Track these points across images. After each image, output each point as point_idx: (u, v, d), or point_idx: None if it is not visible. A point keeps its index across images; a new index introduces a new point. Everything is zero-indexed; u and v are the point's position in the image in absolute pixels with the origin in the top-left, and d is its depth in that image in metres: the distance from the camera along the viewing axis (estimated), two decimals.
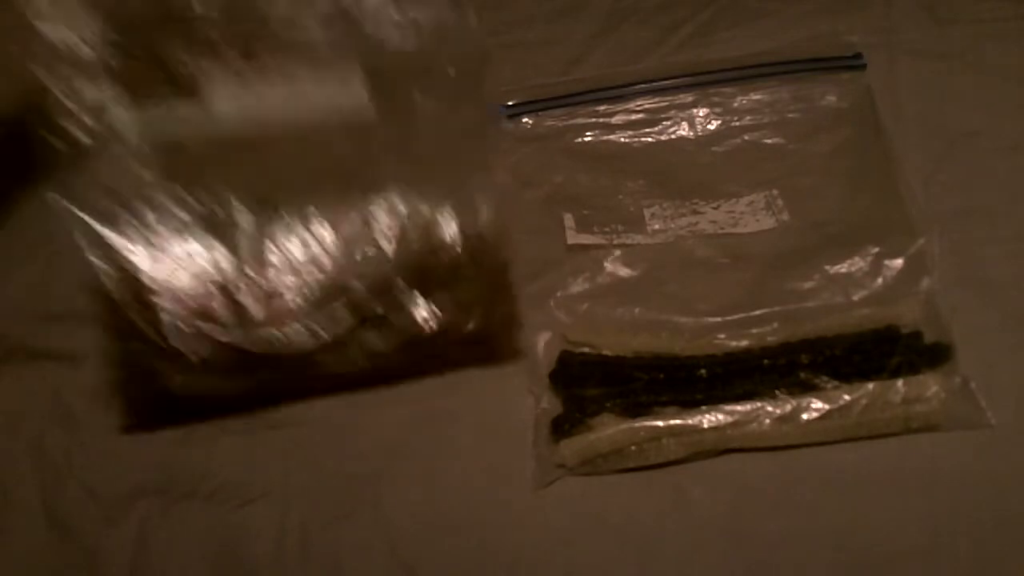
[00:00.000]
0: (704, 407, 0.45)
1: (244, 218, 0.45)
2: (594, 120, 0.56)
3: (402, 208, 0.47)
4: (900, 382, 0.44)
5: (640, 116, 0.56)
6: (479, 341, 0.47)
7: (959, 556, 0.41)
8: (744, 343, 0.47)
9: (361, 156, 0.47)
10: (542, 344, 0.49)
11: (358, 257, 0.46)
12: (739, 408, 0.44)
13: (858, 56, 0.56)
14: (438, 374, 0.48)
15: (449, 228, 0.47)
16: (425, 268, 0.47)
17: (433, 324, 0.46)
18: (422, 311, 0.46)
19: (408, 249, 0.47)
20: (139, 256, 0.44)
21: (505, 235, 0.48)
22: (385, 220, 0.46)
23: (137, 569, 0.45)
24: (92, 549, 0.45)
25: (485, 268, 0.47)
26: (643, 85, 0.57)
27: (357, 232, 0.46)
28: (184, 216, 0.44)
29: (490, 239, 0.48)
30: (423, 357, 0.47)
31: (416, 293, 0.46)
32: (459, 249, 0.47)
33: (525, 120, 0.57)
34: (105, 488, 0.47)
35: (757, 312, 0.48)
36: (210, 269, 0.45)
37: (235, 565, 0.44)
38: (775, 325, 0.47)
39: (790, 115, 0.55)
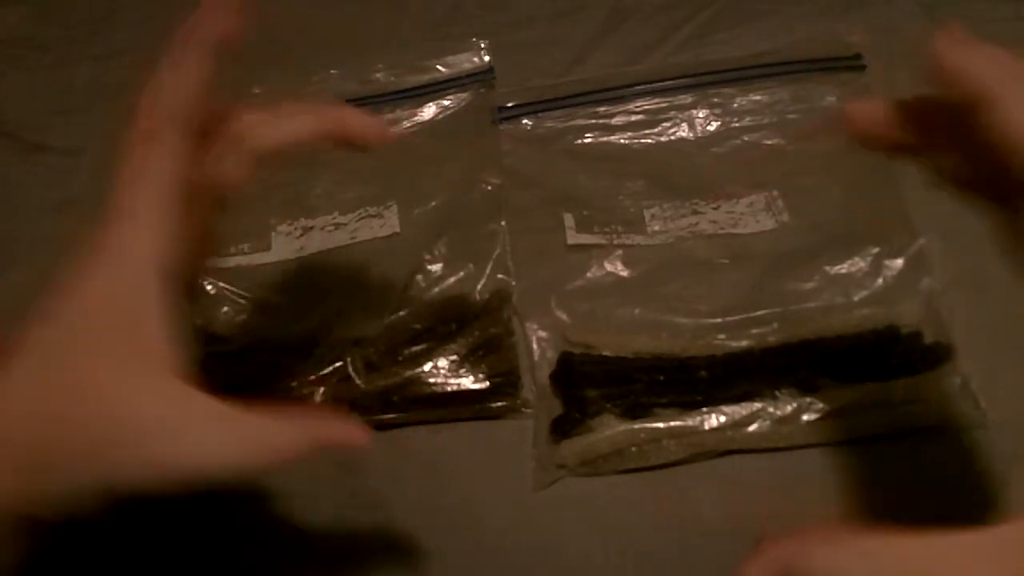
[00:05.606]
0: (704, 408, 0.45)
1: None
2: (594, 121, 0.56)
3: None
4: (900, 382, 0.44)
5: (640, 117, 0.56)
6: (481, 398, 0.48)
7: None
8: (744, 344, 0.47)
9: None
10: (541, 344, 0.49)
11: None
12: (739, 409, 0.44)
13: (858, 56, 0.56)
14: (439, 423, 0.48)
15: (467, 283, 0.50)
16: (443, 319, 0.49)
17: (446, 376, 0.48)
18: (437, 363, 0.48)
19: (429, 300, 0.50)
20: None
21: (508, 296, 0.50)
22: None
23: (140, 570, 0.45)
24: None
25: (490, 326, 0.49)
26: (643, 86, 0.57)
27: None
28: None
29: (497, 299, 0.50)
30: (426, 405, 0.48)
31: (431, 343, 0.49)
32: (474, 304, 0.50)
33: (525, 121, 0.56)
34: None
35: (757, 313, 0.48)
36: None
37: (236, 567, 0.44)
38: (775, 326, 0.47)
39: (790, 116, 0.55)
